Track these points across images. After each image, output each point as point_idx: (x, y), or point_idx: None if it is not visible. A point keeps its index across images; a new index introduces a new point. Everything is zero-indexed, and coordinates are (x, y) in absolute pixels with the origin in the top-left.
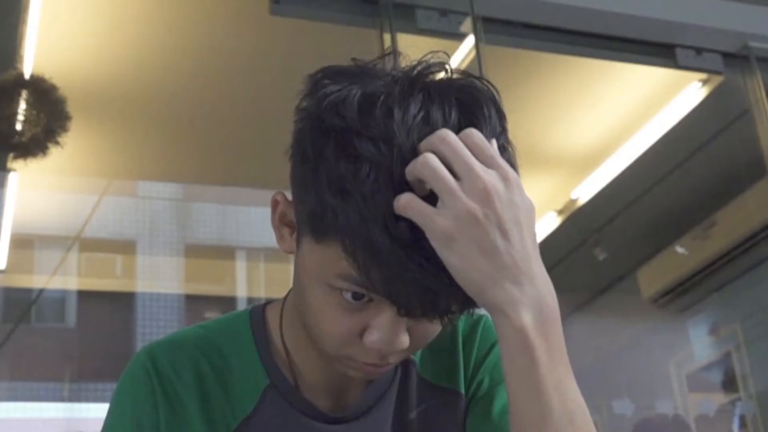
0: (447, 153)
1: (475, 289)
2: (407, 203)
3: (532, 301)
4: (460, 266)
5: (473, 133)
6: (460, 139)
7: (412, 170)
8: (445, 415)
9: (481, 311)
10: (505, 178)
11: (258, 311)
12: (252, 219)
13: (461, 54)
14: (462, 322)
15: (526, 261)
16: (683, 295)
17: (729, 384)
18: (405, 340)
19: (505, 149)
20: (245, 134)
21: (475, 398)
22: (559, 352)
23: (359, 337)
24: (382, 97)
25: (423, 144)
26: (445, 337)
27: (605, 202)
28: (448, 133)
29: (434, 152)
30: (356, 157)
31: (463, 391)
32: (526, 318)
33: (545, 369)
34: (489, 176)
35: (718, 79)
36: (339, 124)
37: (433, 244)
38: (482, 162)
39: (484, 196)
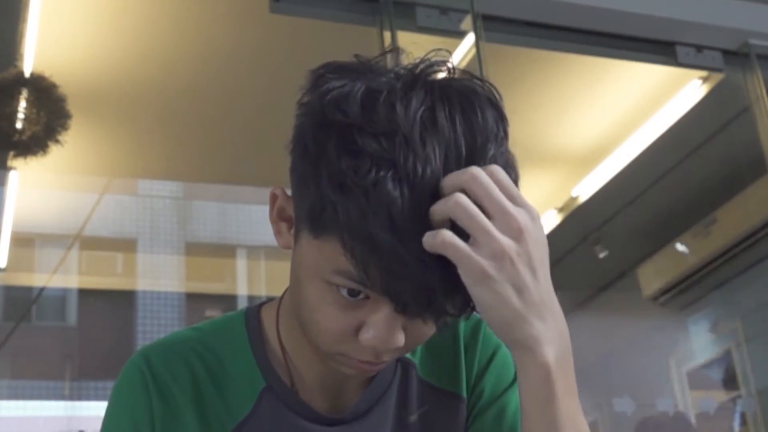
0: (479, 192)
1: (503, 326)
2: (446, 241)
3: (555, 337)
4: (492, 303)
5: (498, 170)
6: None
7: (443, 209)
8: (446, 418)
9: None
10: (533, 217)
11: (253, 312)
12: (253, 217)
13: (461, 52)
14: (462, 324)
15: (550, 297)
16: (684, 292)
17: (730, 381)
18: (400, 338)
19: (504, 154)
20: (245, 132)
21: (478, 406)
22: (573, 387)
23: (354, 334)
24: (384, 93)
25: (449, 180)
26: (446, 339)
27: (606, 200)
28: (479, 172)
29: (462, 190)
30: (358, 153)
31: (465, 395)
32: (550, 354)
33: (562, 404)
34: (521, 215)
35: (718, 77)
36: (341, 119)
37: (466, 281)
38: (509, 200)
39: (518, 235)
